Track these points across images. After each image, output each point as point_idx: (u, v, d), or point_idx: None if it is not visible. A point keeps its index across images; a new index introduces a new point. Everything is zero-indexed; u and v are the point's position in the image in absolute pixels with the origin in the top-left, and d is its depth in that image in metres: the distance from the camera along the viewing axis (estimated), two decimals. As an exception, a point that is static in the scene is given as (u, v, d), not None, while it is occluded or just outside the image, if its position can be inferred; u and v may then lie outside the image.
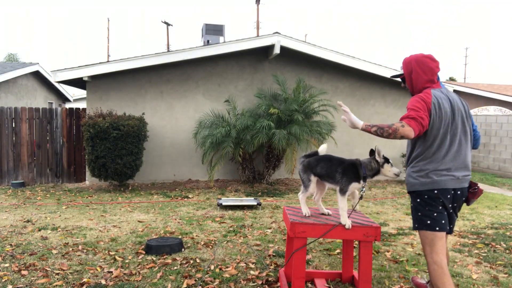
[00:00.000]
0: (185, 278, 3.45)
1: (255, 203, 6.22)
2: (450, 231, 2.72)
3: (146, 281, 3.39)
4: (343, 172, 2.89)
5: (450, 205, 2.63)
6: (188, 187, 8.07)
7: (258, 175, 8.46)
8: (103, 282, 3.33)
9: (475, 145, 2.86)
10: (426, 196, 2.60)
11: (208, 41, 12.24)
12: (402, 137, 2.47)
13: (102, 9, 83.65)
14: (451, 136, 2.60)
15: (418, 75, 2.70)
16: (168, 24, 25.68)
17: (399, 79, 2.93)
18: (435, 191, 2.58)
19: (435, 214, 2.58)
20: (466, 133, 2.67)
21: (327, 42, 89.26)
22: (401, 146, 9.53)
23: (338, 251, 4.24)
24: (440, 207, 2.59)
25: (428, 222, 2.59)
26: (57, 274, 3.49)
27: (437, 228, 2.58)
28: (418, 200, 2.64)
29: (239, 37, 14.11)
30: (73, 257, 3.94)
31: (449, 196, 2.60)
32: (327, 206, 3.34)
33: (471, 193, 2.72)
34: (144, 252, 4.07)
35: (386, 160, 2.89)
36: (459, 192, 2.64)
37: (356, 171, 2.88)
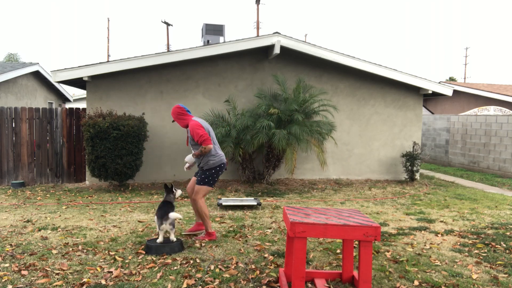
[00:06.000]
0: (185, 278, 3.45)
1: (255, 203, 6.22)
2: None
3: (146, 281, 3.39)
4: None
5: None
6: (188, 187, 8.07)
7: (258, 175, 8.46)
8: (103, 282, 3.33)
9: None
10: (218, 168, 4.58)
11: (208, 41, 12.25)
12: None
13: (102, 9, 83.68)
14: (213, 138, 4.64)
15: (182, 115, 4.57)
16: (168, 24, 25.70)
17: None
18: (222, 165, 4.59)
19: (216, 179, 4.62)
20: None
21: (327, 42, 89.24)
22: (401, 146, 9.54)
23: (338, 251, 4.24)
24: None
25: (211, 182, 4.56)
26: (57, 274, 3.50)
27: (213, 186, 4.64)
28: (213, 171, 4.54)
29: (239, 37, 14.13)
30: (73, 257, 3.94)
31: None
32: (327, 206, 3.33)
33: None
34: (144, 252, 4.08)
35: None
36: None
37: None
